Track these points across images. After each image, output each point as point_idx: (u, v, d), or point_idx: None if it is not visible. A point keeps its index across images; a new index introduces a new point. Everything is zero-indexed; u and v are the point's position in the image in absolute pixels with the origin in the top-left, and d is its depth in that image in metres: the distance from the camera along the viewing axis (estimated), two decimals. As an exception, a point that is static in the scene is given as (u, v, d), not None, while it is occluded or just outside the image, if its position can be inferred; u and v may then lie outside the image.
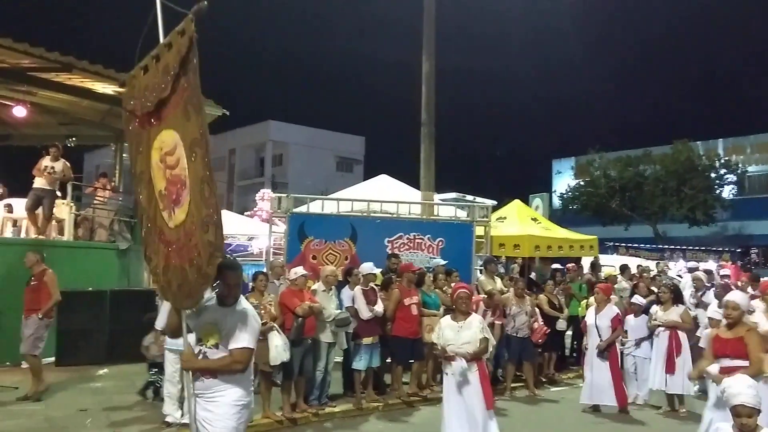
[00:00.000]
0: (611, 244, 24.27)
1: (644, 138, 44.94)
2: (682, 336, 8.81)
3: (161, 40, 4.07)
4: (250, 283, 8.36)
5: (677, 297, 9.16)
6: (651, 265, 16.86)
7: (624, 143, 36.65)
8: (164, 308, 6.51)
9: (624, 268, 14.36)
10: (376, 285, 9.13)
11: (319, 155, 48.74)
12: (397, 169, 16.58)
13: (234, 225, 18.61)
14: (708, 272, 12.75)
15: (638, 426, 8.23)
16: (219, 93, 13.93)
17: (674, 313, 8.88)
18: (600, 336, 8.74)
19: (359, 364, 8.57)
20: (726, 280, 11.31)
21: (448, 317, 6.49)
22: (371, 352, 8.61)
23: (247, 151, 51.46)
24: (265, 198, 23.51)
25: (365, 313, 8.53)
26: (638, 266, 14.66)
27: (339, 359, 9.06)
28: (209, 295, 4.09)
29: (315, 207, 11.97)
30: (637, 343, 9.21)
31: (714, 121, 63.11)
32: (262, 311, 7.50)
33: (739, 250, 26.25)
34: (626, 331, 9.27)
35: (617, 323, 8.79)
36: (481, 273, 11.24)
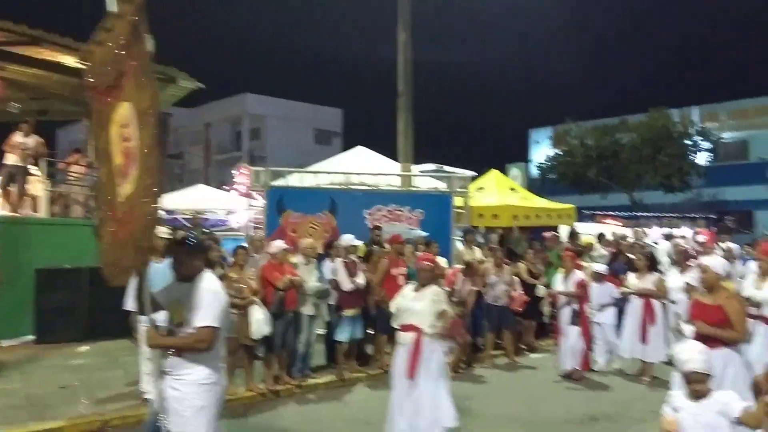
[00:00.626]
0: (589, 212, 24.51)
1: (621, 106, 45.16)
2: (656, 305, 8.88)
3: (112, 10, 4.00)
4: (230, 258, 8.34)
5: (652, 265, 9.23)
6: (628, 232, 17.06)
7: (601, 112, 36.82)
8: (130, 288, 6.41)
9: (601, 236, 14.54)
10: (358, 257, 9.16)
11: (297, 128, 48.31)
12: (375, 141, 16.54)
13: (212, 200, 18.48)
14: (684, 239, 12.92)
15: (609, 392, 8.34)
16: (194, 66, 13.72)
17: (648, 281, 8.93)
18: (569, 302, 8.88)
19: (342, 335, 8.63)
20: (687, 247, 11.29)
21: (410, 286, 6.20)
22: (353, 324, 8.67)
23: (224, 124, 50.86)
24: (242, 172, 23.32)
25: (347, 285, 8.57)
26: (612, 234, 14.82)
27: (321, 332, 9.11)
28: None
29: (293, 180, 11.91)
30: (600, 309, 9.29)
31: (689, 88, 63.63)
32: (243, 286, 7.52)
33: (713, 217, 26.66)
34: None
35: (579, 287, 8.85)
36: (460, 243, 11.32)
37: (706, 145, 32.95)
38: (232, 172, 25.10)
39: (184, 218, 15.74)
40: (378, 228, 10.47)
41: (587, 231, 16.88)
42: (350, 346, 8.86)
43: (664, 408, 3.94)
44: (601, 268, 9.77)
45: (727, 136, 35.15)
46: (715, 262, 5.74)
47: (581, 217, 21.11)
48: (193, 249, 4.10)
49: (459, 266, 9.79)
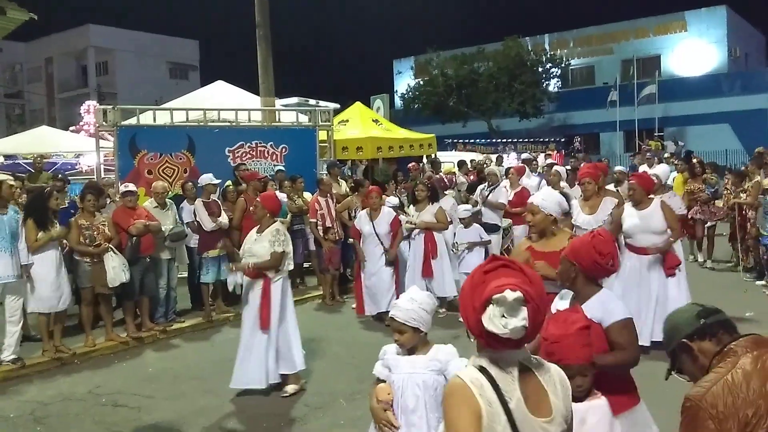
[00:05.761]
0: (450, 141, 25.23)
1: (479, 35, 46.18)
2: (438, 237, 8.35)
3: None
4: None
5: (434, 195, 8.68)
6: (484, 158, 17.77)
7: (460, 41, 37.31)
8: None
9: (461, 164, 15.08)
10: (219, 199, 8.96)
11: (150, 62, 45.45)
12: (235, 74, 15.95)
13: (57, 141, 17.11)
14: (527, 161, 13.52)
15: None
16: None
17: (428, 213, 8.35)
18: (381, 242, 8.20)
19: (207, 277, 8.46)
20: (455, 177, 10.22)
21: (255, 228, 5.87)
22: (218, 264, 8.50)
23: (67, 59, 46.86)
24: (90, 111, 21.67)
25: (208, 225, 8.35)
26: (471, 161, 15.38)
27: (184, 275, 8.88)
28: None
29: (146, 118, 11.25)
30: (470, 248, 8.36)
31: (541, 17, 66.10)
32: (95, 233, 7.12)
33: (563, 140, 28.29)
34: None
35: (397, 226, 8.27)
36: (326, 177, 11.29)
37: (556, 71, 34.60)
38: (81, 110, 23.31)
39: (26, 163, 14.47)
40: (244, 165, 10.20)
41: (449, 159, 17.44)
42: (216, 287, 8.73)
43: (377, 367, 3.24)
44: (394, 201, 9.14)
45: (575, 62, 37.12)
46: (543, 199, 4.37)
47: (443, 146, 21.71)
48: None
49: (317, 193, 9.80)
